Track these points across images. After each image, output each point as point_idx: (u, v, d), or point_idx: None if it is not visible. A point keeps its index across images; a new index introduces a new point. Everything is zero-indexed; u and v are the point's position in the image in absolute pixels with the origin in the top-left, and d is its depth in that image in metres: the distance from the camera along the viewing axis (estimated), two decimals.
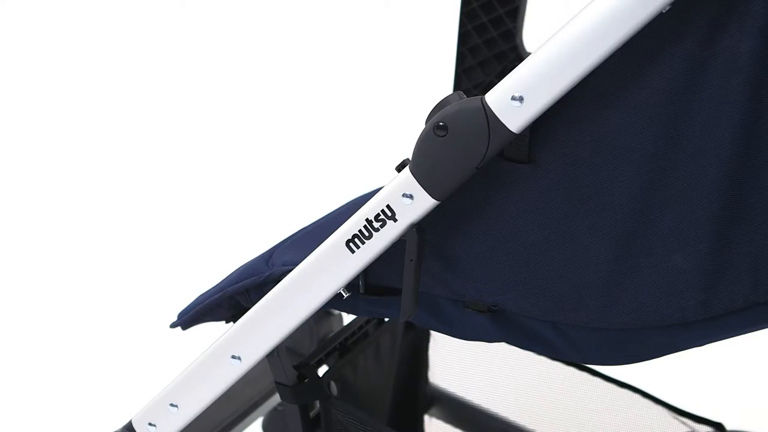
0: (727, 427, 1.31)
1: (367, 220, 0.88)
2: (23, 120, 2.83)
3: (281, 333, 0.98)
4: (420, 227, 0.86)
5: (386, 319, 1.28)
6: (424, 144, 0.82)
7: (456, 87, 1.24)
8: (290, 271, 0.96)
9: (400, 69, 2.80)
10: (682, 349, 0.89)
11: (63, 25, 3.20)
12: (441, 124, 0.81)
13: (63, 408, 1.85)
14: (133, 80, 2.97)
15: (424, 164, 0.83)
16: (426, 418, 1.48)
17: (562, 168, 0.81)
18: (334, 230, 0.90)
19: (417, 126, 0.86)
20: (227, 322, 1.08)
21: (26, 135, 2.77)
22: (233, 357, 1.00)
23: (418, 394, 1.45)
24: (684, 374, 1.72)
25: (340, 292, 0.93)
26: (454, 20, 1.21)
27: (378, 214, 0.87)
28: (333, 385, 1.16)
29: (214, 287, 1.07)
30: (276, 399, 1.39)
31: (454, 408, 1.48)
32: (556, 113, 0.79)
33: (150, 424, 1.08)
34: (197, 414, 1.06)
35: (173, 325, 1.11)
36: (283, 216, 0.94)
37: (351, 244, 0.89)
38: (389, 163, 0.93)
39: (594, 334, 0.88)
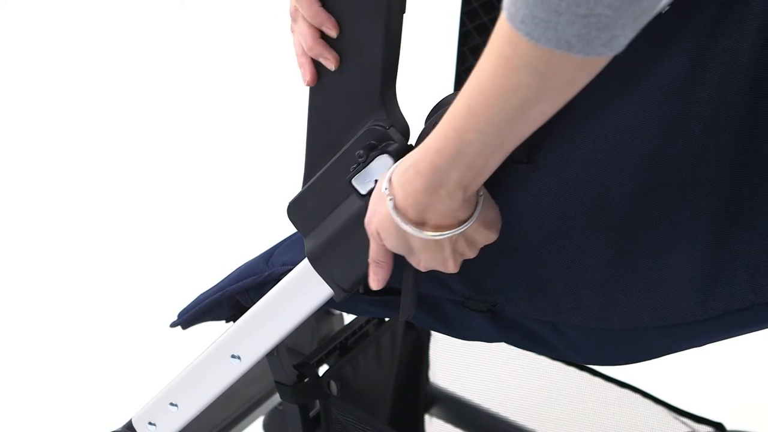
0: (727, 427, 1.31)
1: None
2: (23, 120, 2.83)
3: (281, 332, 0.98)
4: None
5: (386, 319, 1.28)
6: None
7: (457, 87, 1.24)
8: (290, 270, 0.96)
9: (400, 69, 2.80)
10: (682, 350, 0.89)
11: (63, 25, 3.20)
12: None
13: (63, 408, 1.86)
14: (133, 80, 2.97)
15: None
16: (426, 417, 1.48)
17: (561, 168, 0.81)
18: None
19: (417, 125, 0.86)
20: (227, 321, 1.08)
21: (26, 135, 2.77)
22: (233, 356, 1.00)
23: (419, 394, 1.45)
24: (684, 374, 1.72)
25: None
26: (455, 20, 1.21)
27: None
28: (333, 384, 1.16)
29: (214, 287, 1.07)
30: (277, 398, 1.39)
31: (454, 408, 1.48)
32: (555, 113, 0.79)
33: (150, 423, 1.09)
34: (197, 413, 1.06)
35: (173, 325, 1.12)
36: (283, 216, 0.94)
37: None
38: None
39: (593, 334, 0.88)
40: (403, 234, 0.79)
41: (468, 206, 0.78)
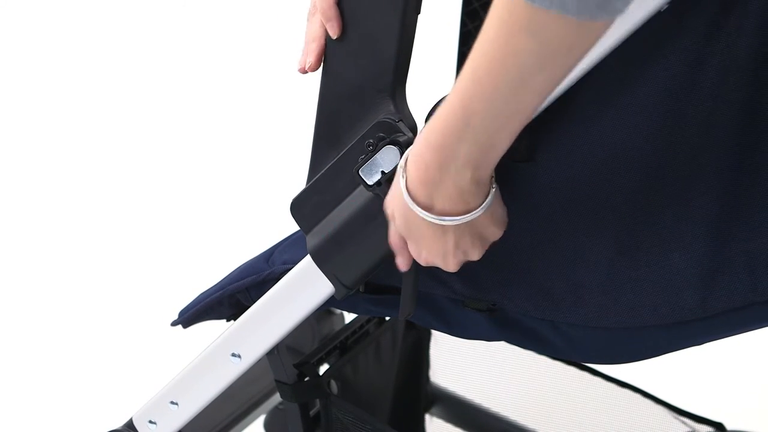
0: (727, 427, 1.31)
1: None
2: (25, 121, 2.84)
3: (281, 331, 0.98)
4: None
5: (387, 318, 1.29)
6: None
7: None
8: (290, 269, 0.97)
9: None
10: (681, 348, 0.89)
11: (64, 25, 3.20)
12: None
13: (63, 407, 1.86)
14: (135, 80, 2.97)
15: None
16: (427, 417, 1.48)
17: (561, 166, 0.81)
18: None
19: (418, 125, 0.86)
20: (228, 320, 1.08)
21: (26, 135, 2.77)
22: (233, 355, 1.01)
23: (419, 393, 1.45)
24: (684, 374, 1.72)
25: None
26: (455, 20, 1.21)
27: None
28: (333, 383, 1.16)
29: (214, 286, 1.07)
30: (277, 397, 1.39)
31: (454, 407, 1.48)
32: (555, 112, 0.79)
33: (150, 421, 1.09)
34: (197, 412, 1.07)
35: (174, 324, 1.12)
36: (283, 216, 0.95)
37: None
38: None
39: (593, 333, 0.88)
40: (410, 217, 0.79)
41: (478, 193, 0.77)
